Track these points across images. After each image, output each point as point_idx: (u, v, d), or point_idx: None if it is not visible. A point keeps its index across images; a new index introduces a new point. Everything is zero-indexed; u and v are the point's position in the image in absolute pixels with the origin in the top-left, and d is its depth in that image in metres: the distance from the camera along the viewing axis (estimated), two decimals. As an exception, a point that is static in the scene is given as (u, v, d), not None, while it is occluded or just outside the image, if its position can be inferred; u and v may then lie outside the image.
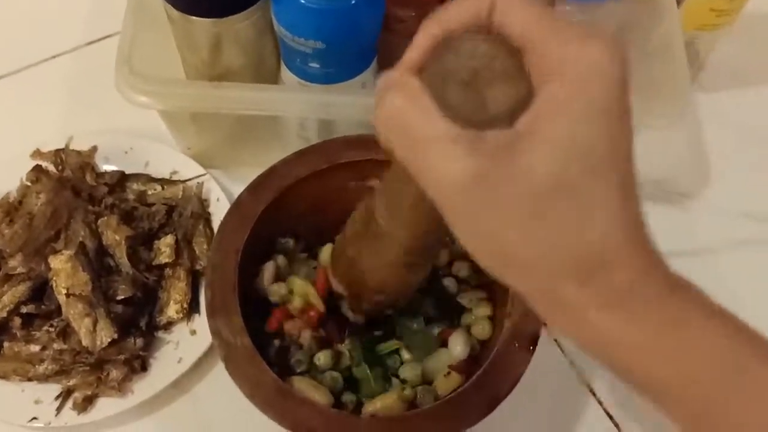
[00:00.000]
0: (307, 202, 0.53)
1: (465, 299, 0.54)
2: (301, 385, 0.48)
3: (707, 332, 0.28)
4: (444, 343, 0.52)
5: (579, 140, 0.27)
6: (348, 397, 0.50)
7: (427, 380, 0.51)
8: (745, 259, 0.65)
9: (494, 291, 0.53)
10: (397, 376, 0.51)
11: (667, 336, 0.28)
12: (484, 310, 0.53)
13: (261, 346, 0.48)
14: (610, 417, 0.57)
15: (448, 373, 0.49)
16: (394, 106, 0.29)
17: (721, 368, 0.28)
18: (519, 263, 0.29)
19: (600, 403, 0.58)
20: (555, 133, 0.27)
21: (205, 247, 0.61)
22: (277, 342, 0.52)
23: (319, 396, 0.47)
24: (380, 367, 0.51)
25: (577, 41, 0.27)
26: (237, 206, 0.51)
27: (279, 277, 0.54)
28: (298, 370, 0.50)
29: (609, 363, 0.30)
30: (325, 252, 0.55)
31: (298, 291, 0.53)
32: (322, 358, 0.50)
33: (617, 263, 0.28)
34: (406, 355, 0.52)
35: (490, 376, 0.44)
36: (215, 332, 0.46)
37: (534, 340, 0.46)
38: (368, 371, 0.50)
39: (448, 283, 0.55)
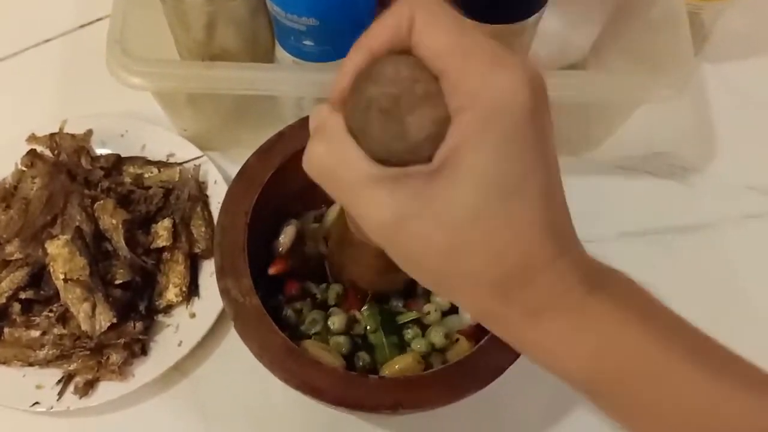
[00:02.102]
0: None
1: None
2: (312, 348, 0.48)
3: (617, 330, 0.30)
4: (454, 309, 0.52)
5: (492, 172, 0.28)
6: (360, 360, 0.50)
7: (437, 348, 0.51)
8: (750, 233, 0.64)
9: None
10: (409, 346, 0.51)
11: (583, 339, 0.30)
12: None
13: (274, 309, 0.49)
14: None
15: (457, 339, 0.50)
16: (318, 155, 0.31)
17: (628, 361, 0.30)
18: (450, 287, 0.31)
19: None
20: (468, 166, 0.28)
21: (203, 229, 0.60)
22: (289, 310, 0.52)
23: (330, 359, 0.47)
24: (396, 335, 0.51)
25: (486, 70, 0.27)
26: (245, 170, 0.51)
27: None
28: (312, 331, 0.51)
29: (545, 368, 0.32)
30: (330, 214, 0.55)
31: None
32: (337, 321, 0.50)
33: (537, 279, 0.29)
34: (432, 317, 0.52)
35: (497, 342, 0.44)
36: (224, 292, 0.46)
37: None
38: (384, 339, 0.50)
39: None
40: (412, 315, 0.52)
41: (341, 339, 0.50)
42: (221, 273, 0.46)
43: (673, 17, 0.57)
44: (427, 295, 0.53)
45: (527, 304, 0.30)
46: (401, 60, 0.29)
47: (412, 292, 0.53)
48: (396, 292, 0.52)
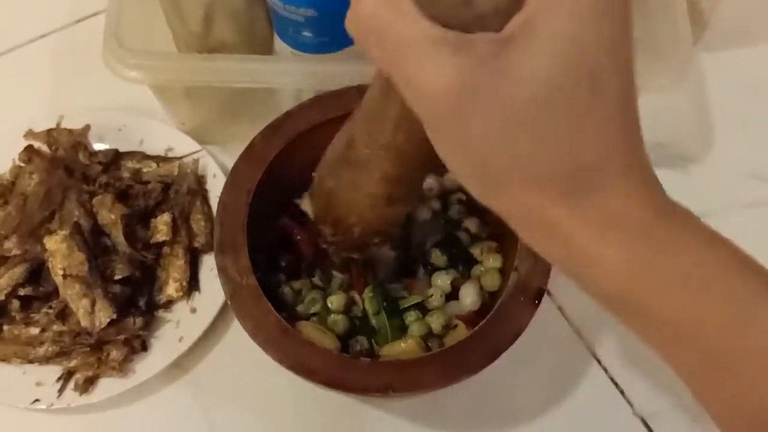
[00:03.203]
0: (321, 148, 0.52)
1: (476, 250, 0.54)
2: (307, 329, 0.48)
3: (695, 260, 0.27)
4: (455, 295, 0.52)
5: (577, 44, 0.24)
6: (357, 344, 0.50)
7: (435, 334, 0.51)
8: (751, 222, 0.64)
9: (504, 243, 0.53)
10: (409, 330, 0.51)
11: (653, 264, 0.26)
12: (494, 262, 0.53)
13: (274, 287, 0.49)
14: (615, 384, 0.57)
15: (456, 325, 0.50)
16: (372, 8, 0.26)
17: (710, 298, 0.26)
18: (503, 176, 0.26)
19: (605, 370, 0.57)
20: (550, 35, 0.24)
21: (202, 224, 0.60)
22: (287, 288, 0.52)
23: (327, 341, 0.47)
24: (397, 319, 0.51)
25: None
26: (250, 149, 0.50)
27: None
28: (312, 310, 0.50)
29: (590, 287, 0.28)
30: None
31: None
32: (335, 301, 0.50)
33: (609, 185, 0.26)
34: (435, 302, 0.51)
35: (493, 327, 0.44)
36: (222, 269, 0.46)
37: (539, 295, 0.46)
38: (386, 321, 0.50)
39: (461, 235, 0.55)
40: (415, 299, 0.51)
41: (339, 317, 0.50)
42: (220, 249, 0.46)
43: (672, 6, 0.57)
44: (428, 276, 0.53)
45: (594, 210, 0.26)
46: None
47: (408, 271, 0.53)
48: (389, 271, 0.51)
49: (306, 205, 0.47)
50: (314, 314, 0.51)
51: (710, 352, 0.27)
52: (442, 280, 0.52)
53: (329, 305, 0.50)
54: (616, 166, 0.26)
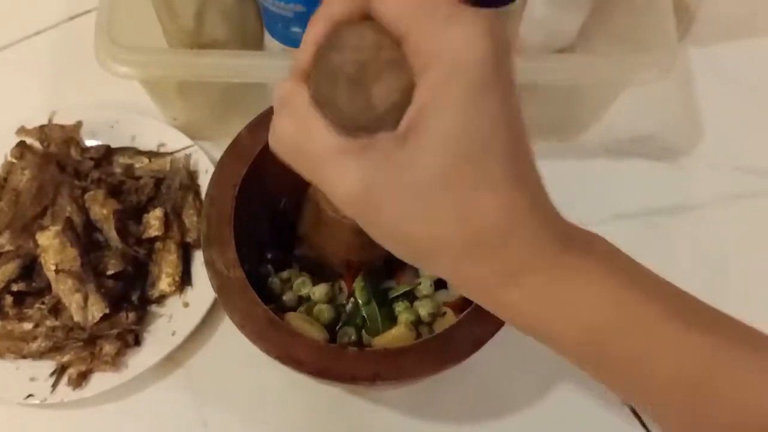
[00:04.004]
0: None
1: None
2: (295, 320, 0.48)
3: (596, 285, 0.30)
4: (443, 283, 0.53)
5: (458, 131, 0.27)
6: (345, 336, 0.50)
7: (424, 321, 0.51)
8: (738, 214, 0.64)
9: None
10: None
11: (561, 296, 0.30)
12: None
13: (263, 278, 0.50)
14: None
15: (444, 313, 0.50)
16: (284, 129, 0.30)
17: (609, 316, 0.29)
18: (424, 253, 0.30)
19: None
20: (434, 127, 0.27)
21: (195, 218, 0.60)
22: (276, 279, 0.52)
23: (314, 331, 0.48)
24: (388, 308, 0.51)
25: (443, 27, 0.27)
26: (236, 143, 0.51)
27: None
28: (303, 291, 0.51)
29: (527, 332, 0.32)
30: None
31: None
32: (317, 291, 0.51)
33: (510, 240, 0.29)
34: (424, 290, 0.52)
35: (479, 315, 0.44)
36: (209, 263, 0.46)
37: None
38: (377, 311, 0.51)
39: None
40: (404, 288, 0.52)
41: (324, 307, 0.50)
42: (207, 243, 0.47)
43: (657, 1, 0.57)
44: (415, 268, 0.53)
45: (503, 264, 0.29)
46: (363, 27, 0.28)
47: (399, 266, 0.53)
48: (378, 267, 0.52)
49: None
50: (302, 302, 0.51)
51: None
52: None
53: (311, 295, 0.51)
54: (512, 223, 0.29)
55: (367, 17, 0.29)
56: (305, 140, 0.29)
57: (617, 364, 0.30)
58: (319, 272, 0.53)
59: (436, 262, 0.30)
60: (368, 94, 0.28)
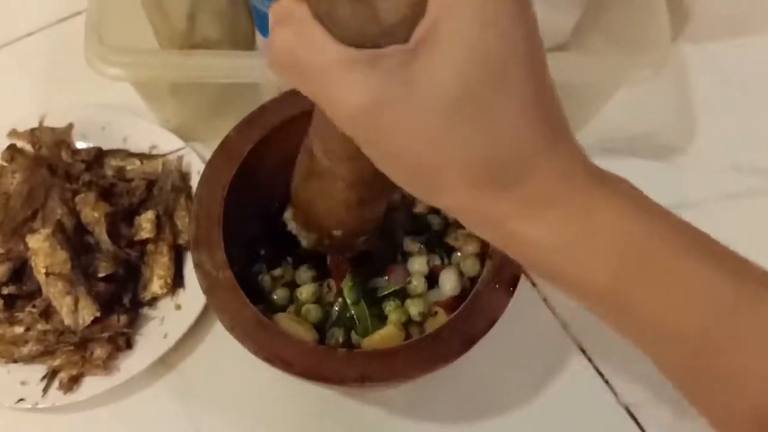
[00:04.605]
0: (297, 141, 0.52)
1: (451, 238, 0.54)
2: (284, 321, 0.48)
3: (621, 231, 0.28)
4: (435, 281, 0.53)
5: (477, 45, 0.25)
6: (333, 337, 0.50)
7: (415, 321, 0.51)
8: (734, 212, 0.64)
9: None
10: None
11: (581, 240, 0.28)
12: (472, 247, 0.53)
13: (255, 281, 0.50)
14: (600, 374, 0.57)
15: (435, 312, 0.50)
16: (285, 43, 0.28)
17: (626, 260, 0.27)
18: (436, 179, 0.28)
19: (590, 360, 0.57)
20: (451, 41, 0.25)
21: (187, 220, 0.60)
22: (267, 276, 0.52)
23: (303, 332, 0.47)
24: (377, 308, 0.51)
25: None
26: (225, 144, 0.50)
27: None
28: (290, 280, 0.51)
29: (536, 269, 0.30)
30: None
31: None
32: (304, 292, 0.51)
33: (532, 170, 0.27)
34: (418, 289, 0.52)
35: (469, 315, 0.44)
36: (198, 264, 0.46)
37: (514, 282, 0.46)
38: (366, 311, 0.50)
39: (432, 220, 0.55)
40: (394, 286, 0.52)
41: (311, 306, 0.50)
42: (196, 244, 0.47)
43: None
44: (404, 261, 0.53)
45: (523, 196, 0.27)
46: None
47: (390, 262, 0.53)
48: (368, 263, 0.52)
49: (289, 218, 0.48)
50: (293, 300, 0.51)
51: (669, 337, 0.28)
52: (419, 264, 0.52)
53: (298, 296, 0.51)
54: (535, 152, 0.27)
55: None
56: (307, 51, 0.27)
57: (642, 307, 0.28)
58: (307, 258, 0.52)
59: (449, 191, 0.28)
60: (373, 8, 0.26)
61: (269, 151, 0.51)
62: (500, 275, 0.46)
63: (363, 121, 0.27)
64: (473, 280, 0.51)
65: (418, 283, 0.52)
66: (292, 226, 0.48)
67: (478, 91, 0.26)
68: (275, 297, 0.51)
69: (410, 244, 0.54)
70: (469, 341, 0.43)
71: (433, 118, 0.26)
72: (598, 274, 0.28)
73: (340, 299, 0.51)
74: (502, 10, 0.26)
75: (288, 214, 0.48)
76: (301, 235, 0.48)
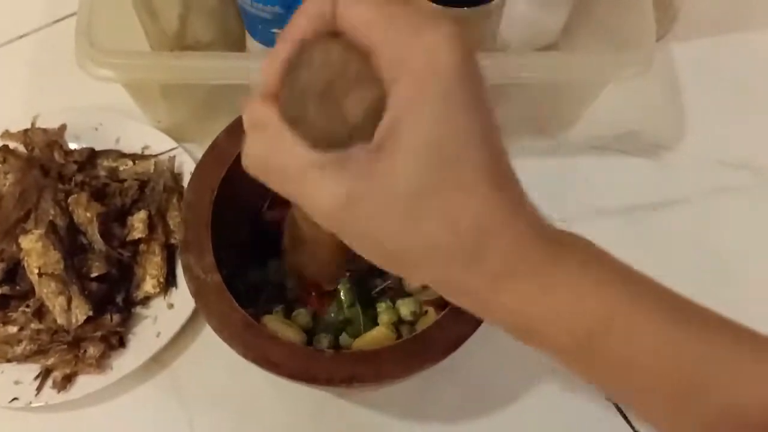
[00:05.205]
0: None
1: None
2: (273, 323, 0.48)
3: (584, 286, 0.30)
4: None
5: (432, 138, 0.27)
6: (320, 339, 0.50)
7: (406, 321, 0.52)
8: (723, 207, 0.65)
9: None
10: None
11: (550, 298, 0.30)
12: None
13: (243, 284, 0.50)
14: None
15: (426, 311, 0.50)
16: (257, 151, 0.30)
17: (598, 317, 0.29)
18: (409, 262, 0.30)
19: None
20: (408, 137, 0.27)
21: (179, 220, 0.60)
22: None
23: (291, 334, 0.48)
24: (371, 310, 0.52)
25: (409, 36, 0.27)
26: (213, 147, 0.51)
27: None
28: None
29: (516, 336, 0.32)
30: None
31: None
32: (300, 316, 0.51)
33: (493, 247, 0.29)
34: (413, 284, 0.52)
35: (456, 315, 0.45)
36: (186, 267, 0.46)
37: None
38: (360, 313, 0.51)
39: None
40: (389, 282, 0.52)
41: (302, 311, 0.51)
42: (184, 248, 0.47)
43: (639, -1, 0.58)
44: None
45: (489, 268, 0.29)
46: (330, 43, 0.28)
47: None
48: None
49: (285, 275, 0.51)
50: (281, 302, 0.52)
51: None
52: None
53: (296, 316, 0.51)
54: (497, 220, 0.29)
55: (333, 34, 0.29)
56: (280, 159, 0.29)
57: (607, 366, 0.30)
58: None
59: (423, 270, 0.31)
60: (339, 109, 0.28)
61: None
62: None
63: (338, 217, 0.29)
64: None
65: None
66: (289, 283, 0.51)
67: (439, 179, 0.28)
68: (262, 295, 0.51)
69: None
70: (456, 341, 0.44)
71: (401, 208, 0.28)
72: (565, 338, 0.30)
73: (334, 302, 0.52)
74: (456, 106, 0.27)
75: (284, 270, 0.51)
76: (296, 288, 0.51)
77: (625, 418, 0.55)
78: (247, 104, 0.31)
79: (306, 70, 0.28)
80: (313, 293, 0.53)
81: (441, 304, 0.50)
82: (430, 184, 0.28)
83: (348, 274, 0.52)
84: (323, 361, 0.43)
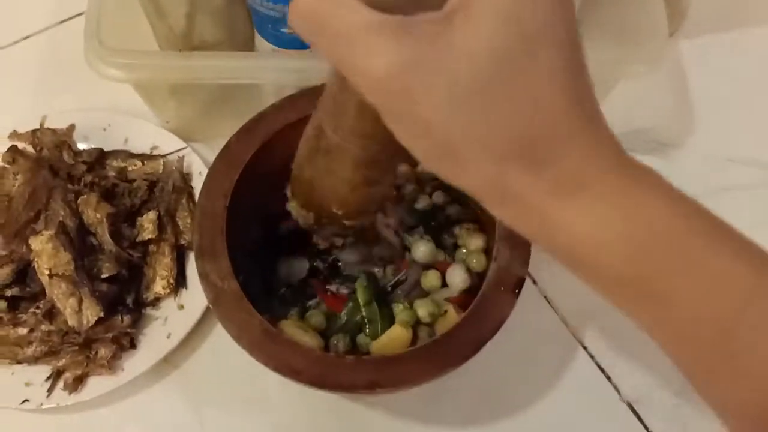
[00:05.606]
0: (297, 146, 0.52)
1: (455, 234, 0.55)
2: (290, 329, 0.48)
3: (652, 216, 0.27)
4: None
5: (514, 16, 0.24)
6: (338, 340, 0.50)
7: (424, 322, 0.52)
8: (732, 206, 0.63)
9: (484, 223, 0.54)
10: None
11: (613, 223, 0.27)
12: (476, 243, 0.53)
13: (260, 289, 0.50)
14: (602, 370, 0.57)
15: (445, 311, 0.50)
16: (309, 2, 0.26)
17: (663, 249, 0.26)
18: (462, 152, 0.26)
19: (591, 357, 0.58)
20: (487, 10, 0.24)
21: (188, 221, 0.60)
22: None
23: (309, 339, 0.48)
24: (387, 308, 0.52)
25: None
26: (226, 151, 0.51)
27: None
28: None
29: (558, 252, 0.28)
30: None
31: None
32: (314, 316, 0.51)
33: (564, 149, 0.26)
34: (433, 280, 0.52)
35: (475, 319, 0.45)
36: (203, 275, 0.46)
37: (519, 284, 0.46)
38: (378, 312, 0.51)
39: (435, 215, 0.56)
40: (400, 274, 0.52)
41: (314, 312, 0.51)
42: (200, 255, 0.47)
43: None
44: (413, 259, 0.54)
45: (554, 175, 0.26)
46: None
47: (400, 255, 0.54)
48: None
49: (289, 197, 0.47)
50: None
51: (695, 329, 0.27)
52: (424, 248, 0.53)
53: (309, 318, 0.52)
54: (569, 130, 0.26)
55: None
56: (333, 11, 0.26)
57: (660, 298, 0.27)
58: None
59: (475, 166, 0.26)
60: None
61: (270, 158, 0.51)
62: (505, 278, 0.46)
63: (389, 88, 0.25)
64: (480, 276, 0.52)
65: (430, 278, 0.52)
66: (292, 206, 0.47)
67: (511, 64, 0.25)
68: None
69: (413, 237, 0.54)
70: (476, 345, 0.44)
71: (464, 88, 0.25)
72: (624, 261, 0.27)
73: (349, 303, 0.52)
74: None
75: (288, 192, 0.47)
76: (300, 215, 0.47)
77: (641, 420, 0.55)
78: None
79: None
80: (329, 292, 0.53)
81: (462, 300, 0.50)
82: (506, 62, 0.25)
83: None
84: (344, 367, 0.43)
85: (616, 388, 0.57)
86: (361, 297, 0.51)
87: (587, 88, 0.27)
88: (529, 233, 0.28)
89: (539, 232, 0.28)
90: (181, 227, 0.60)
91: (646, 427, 0.55)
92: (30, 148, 0.63)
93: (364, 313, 0.51)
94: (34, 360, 0.55)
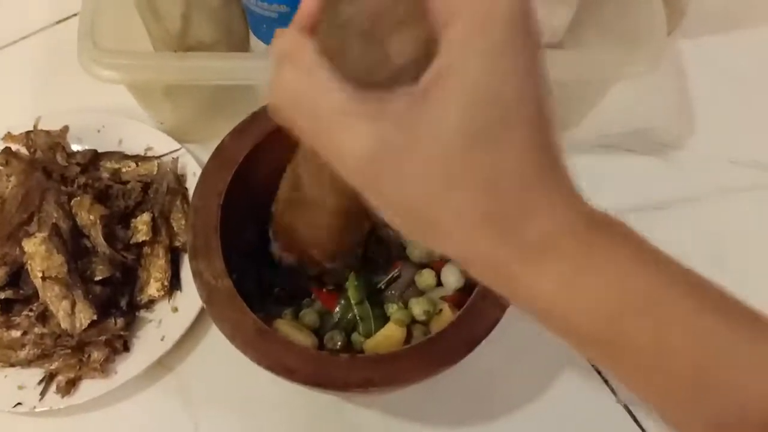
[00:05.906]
0: (290, 147, 0.52)
1: None
2: (284, 327, 0.48)
3: (619, 273, 0.27)
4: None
5: (484, 88, 0.25)
6: (333, 337, 0.50)
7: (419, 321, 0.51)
8: (732, 206, 0.64)
9: None
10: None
11: (590, 282, 0.27)
12: None
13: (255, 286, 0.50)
14: (598, 372, 0.57)
15: (440, 310, 0.50)
16: (288, 81, 0.27)
17: (624, 299, 0.27)
18: (439, 227, 0.27)
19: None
20: (459, 85, 0.25)
21: (183, 222, 0.60)
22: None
23: (303, 338, 0.48)
24: (379, 306, 0.51)
25: None
26: (219, 151, 0.50)
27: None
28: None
29: (541, 320, 0.29)
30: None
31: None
32: (307, 315, 0.51)
33: (533, 217, 0.27)
34: (428, 279, 0.52)
35: (469, 319, 0.44)
36: (196, 274, 0.46)
37: None
38: (370, 311, 0.50)
39: None
40: (394, 274, 0.52)
41: (307, 311, 0.51)
42: (193, 254, 0.46)
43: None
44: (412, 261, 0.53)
45: (526, 243, 0.27)
46: None
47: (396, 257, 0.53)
48: (354, 260, 0.51)
49: (272, 236, 0.49)
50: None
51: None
52: (419, 245, 0.53)
53: (302, 318, 0.51)
54: (537, 200, 0.27)
55: None
56: (312, 93, 0.26)
57: (633, 351, 0.27)
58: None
59: (450, 237, 0.27)
60: (383, 48, 0.26)
61: (263, 158, 0.51)
62: None
63: (366, 169, 0.26)
64: None
65: (427, 278, 0.52)
66: (275, 248, 0.49)
67: (486, 133, 0.25)
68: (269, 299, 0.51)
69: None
70: (471, 344, 0.43)
71: (438, 162, 0.26)
72: (595, 323, 0.27)
73: (342, 301, 0.51)
74: (514, 59, 0.25)
75: (270, 234, 0.49)
76: (283, 256, 0.48)
77: (636, 422, 0.55)
78: (280, 33, 0.28)
79: (350, 3, 0.26)
80: (324, 290, 0.52)
81: (457, 299, 0.50)
82: (477, 137, 0.25)
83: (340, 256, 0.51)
84: (338, 366, 0.43)
85: (612, 390, 0.56)
86: (352, 296, 0.50)
87: (555, 159, 0.27)
88: (507, 297, 0.29)
89: (514, 296, 0.29)
90: (175, 229, 0.60)
91: (642, 429, 0.55)
92: (24, 150, 0.63)
93: (355, 312, 0.50)
94: (27, 363, 0.55)
